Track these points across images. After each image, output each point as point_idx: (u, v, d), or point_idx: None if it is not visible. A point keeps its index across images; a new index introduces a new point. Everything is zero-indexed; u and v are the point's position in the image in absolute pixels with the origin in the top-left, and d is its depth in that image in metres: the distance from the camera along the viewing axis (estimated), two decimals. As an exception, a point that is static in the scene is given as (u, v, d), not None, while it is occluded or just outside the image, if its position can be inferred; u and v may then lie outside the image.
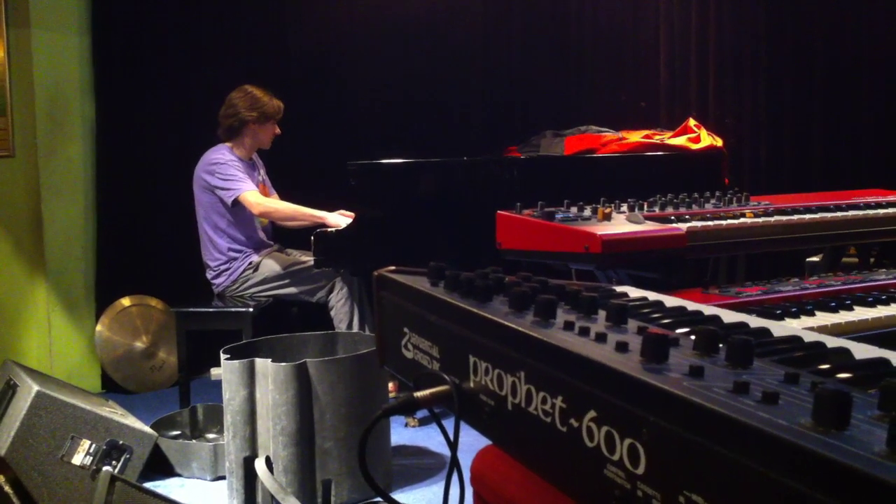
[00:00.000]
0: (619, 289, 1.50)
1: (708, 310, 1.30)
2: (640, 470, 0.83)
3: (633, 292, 1.47)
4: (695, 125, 5.45)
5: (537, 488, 1.05)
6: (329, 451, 3.44)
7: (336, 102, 5.80)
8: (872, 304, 1.94)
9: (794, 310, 1.84)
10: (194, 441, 4.06)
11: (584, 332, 1.03)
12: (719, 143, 5.38)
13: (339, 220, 4.50)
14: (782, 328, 1.19)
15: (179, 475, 3.86)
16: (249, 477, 3.45)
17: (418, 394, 1.21)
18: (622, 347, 0.95)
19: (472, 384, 1.16)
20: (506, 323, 1.08)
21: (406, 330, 1.37)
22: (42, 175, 5.07)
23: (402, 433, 4.25)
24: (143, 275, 5.39)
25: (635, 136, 5.43)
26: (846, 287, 2.11)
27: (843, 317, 1.82)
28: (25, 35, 4.99)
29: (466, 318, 1.18)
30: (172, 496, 3.02)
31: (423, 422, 4.37)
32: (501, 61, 6.40)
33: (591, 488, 0.90)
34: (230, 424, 3.48)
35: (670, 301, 1.38)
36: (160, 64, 5.45)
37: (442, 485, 3.61)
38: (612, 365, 0.87)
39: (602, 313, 1.17)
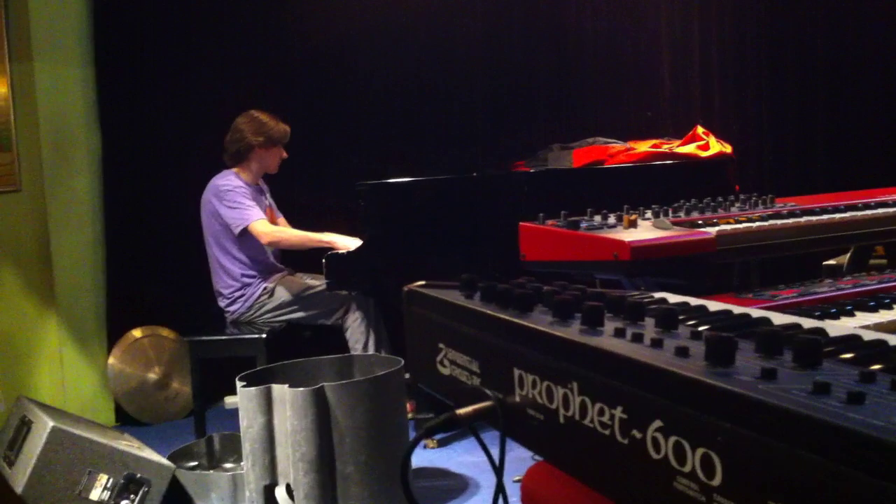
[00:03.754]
0: (656, 295, 1.45)
1: (755, 313, 1.25)
2: (716, 481, 0.78)
3: (672, 298, 1.42)
4: (703, 132, 5.43)
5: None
6: (350, 476, 3.38)
7: (340, 121, 5.75)
8: (913, 303, 1.89)
9: (833, 311, 1.79)
10: (212, 472, 4.00)
11: (638, 338, 0.99)
12: (728, 149, 5.35)
13: (348, 241, 4.46)
14: (834, 328, 1.15)
15: (199, 506, 3.80)
16: (270, 505, 3.39)
17: (460, 411, 1.16)
18: (682, 352, 0.91)
19: (517, 398, 1.11)
20: (554, 332, 1.04)
21: (441, 345, 1.33)
22: (49, 208, 5.04)
23: (421, 455, 4.19)
24: (154, 305, 5.35)
25: (643, 146, 5.40)
26: (882, 286, 2.06)
27: (883, 316, 1.77)
28: (29, 69, 4.98)
29: (508, 330, 1.13)
30: (194, 528, 2.96)
31: (441, 443, 4.31)
32: (504, 76, 6.36)
33: (660, 502, 0.85)
34: (249, 452, 3.42)
35: (713, 305, 1.33)
36: (164, 93, 5.43)
37: (467, 506, 3.57)
38: (678, 371, 0.83)
39: (649, 319, 1.13)
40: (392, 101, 5.93)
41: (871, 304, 1.85)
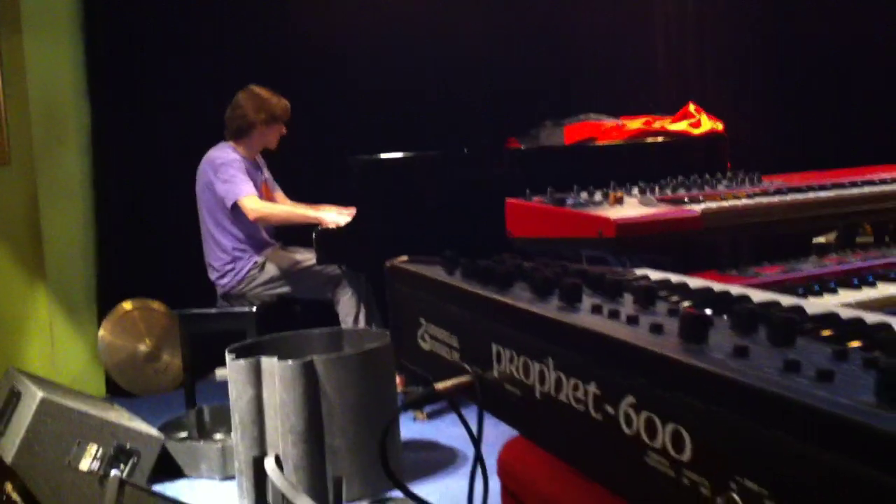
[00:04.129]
0: (638, 272, 1.45)
1: (735, 290, 1.26)
2: (686, 456, 0.78)
3: (654, 275, 1.42)
4: (695, 110, 5.41)
5: (569, 479, 1.00)
6: (338, 448, 3.40)
7: (334, 97, 5.73)
8: (895, 280, 1.90)
9: (816, 288, 1.80)
10: (202, 442, 4.02)
11: (615, 315, 0.99)
12: (720, 127, 5.34)
13: (337, 217, 4.45)
14: (814, 305, 1.15)
15: (188, 477, 3.83)
16: (259, 476, 3.41)
17: (439, 385, 1.16)
18: (657, 329, 0.91)
19: (495, 373, 1.12)
20: (531, 309, 1.04)
21: (422, 321, 1.33)
22: (39, 182, 5.04)
23: (410, 427, 4.21)
24: (144, 278, 5.36)
25: (635, 123, 5.39)
26: (866, 264, 2.07)
27: (866, 293, 1.78)
28: (18, 42, 4.95)
29: (488, 306, 1.14)
30: (182, 498, 2.98)
31: (431, 416, 4.32)
32: (500, 51, 6.33)
33: (631, 477, 0.86)
34: (238, 424, 3.44)
35: (694, 282, 1.33)
36: (155, 66, 5.41)
37: (454, 478, 3.59)
38: (651, 347, 0.83)
39: (628, 296, 1.13)
40: (386, 77, 5.90)
41: (855, 281, 1.86)
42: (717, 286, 1.28)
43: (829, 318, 1.05)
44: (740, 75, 5.84)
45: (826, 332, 0.95)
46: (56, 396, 3.53)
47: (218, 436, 4.21)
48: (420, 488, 3.57)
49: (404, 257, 1.46)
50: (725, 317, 0.99)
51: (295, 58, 5.74)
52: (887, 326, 1.00)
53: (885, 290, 1.83)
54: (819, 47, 5.45)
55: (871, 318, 1.05)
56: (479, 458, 1.17)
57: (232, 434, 3.53)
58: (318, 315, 4.80)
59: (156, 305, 5.33)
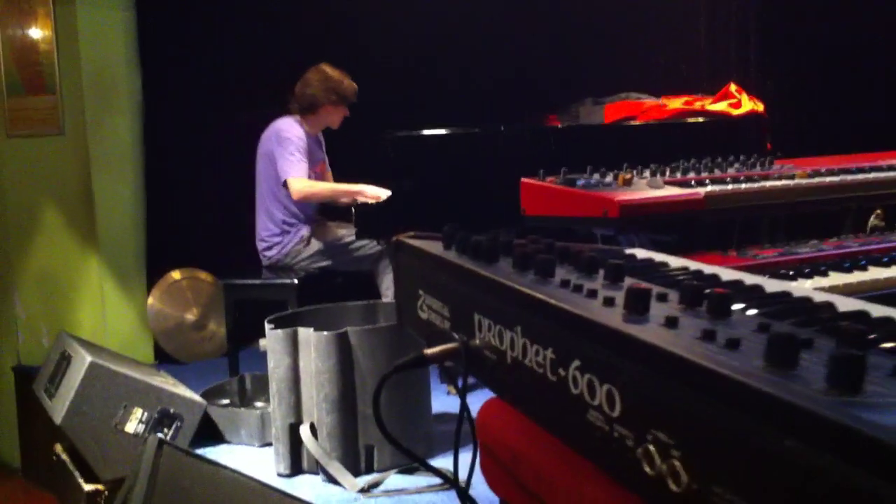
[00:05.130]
0: (628, 251, 1.55)
1: (710, 269, 1.35)
2: (616, 412, 0.89)
3: (642, 254, 1.52)
4: (735, 90, 5.43)
5: (533, 434, 1.11)
6: (370, 417, 3.51)
7: (367, 73, 5.81)
8: (888, 265, 1.96)
9: (807, 271, 1.87)
10: (243, 409, 4.17)
11: (578, 288, 1.09)
12: (760, 108, 5.36)
13: (378, 191, 4.56)
14: (776, 285, 1.24)
15: (228, 442, 3.96)
16: (295, 443, 3.54)
17: (428, 350, 1.28)
18: (609, 302, 1.01)
19: (477, 341, 1.23)
20: (504, 281, 1.14)
21: (421, 292, 1.44)
22: (91, 151, 5.20)
23: (443, 401, 4.31)
24: (193, 248, 5.51)
25: (676, 103, 5.43)
26: (864, 248, 2.13)
27: (856, 277, 1.85)
28: (71, 13, 5.11)
29: (471, 279, 1.24)
30: (221, 462, 3.11)
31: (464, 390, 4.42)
32: (540, 28, 6.38)
33: (576, 431, 0.97)
34: (275, 392, 3.57)
35: (676, 262, 1.42)
36: (204, 36, 5.53)
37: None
38: (594, 317, 0.93)
39: (601, 272, 1.23)
40: (425, 52, 5.97)
41: (847, 265, 1.93)
42: (695, 265, 1.38)
43: (780, 297, 1.14)
44: (785, 56, 5.81)
45: (766, 309, 1.04)
46: (105, 361, 3.68)
47: (259, 403, 4.35)
48: (449, 459, 3.68)
49: (410, 233, 1.56)
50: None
51: (340, 26, 5.81)
52: (829, 305, 1.09)
53: (875, 273, 1.90)
54: (868, 28, 5.40)
55: (819, 297, 1.13)
56: (464, 409, 1.29)
57: (269, 401, 3.67)
58: (359, 288, 4.93)
59: (203, 276, 5.49)
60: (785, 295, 1.14)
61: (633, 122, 5.27)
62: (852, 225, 2.98)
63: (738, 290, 1.14)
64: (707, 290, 1.01)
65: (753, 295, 1.13)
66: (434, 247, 1.45)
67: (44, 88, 5.23)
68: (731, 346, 0.81)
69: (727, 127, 5.23)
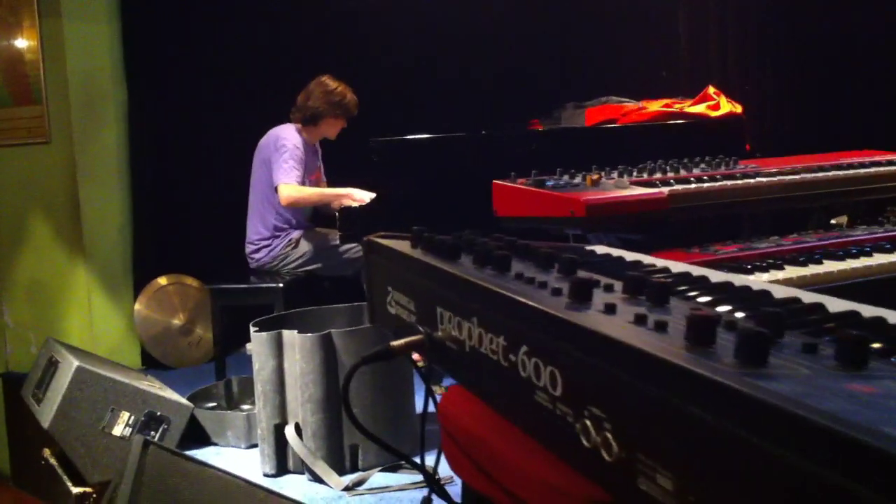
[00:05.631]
0: (589, 248, 1.62)
1: (662, 263, 1.42)
2: (558, 392, 0.96)
3: (601, 250, 1.59)
4: (714, 92, 5.51)
5: (488, 417, 1.18)
6: (365, 427, 3.55)
7: (358, 77, 5.89)
8: (842, 258, 2.04)
9: (764, 265, 1.95)
10: (229, 411, 4.22)
11: (531, 281, 1.16)
12: (738, 109, 5.44)
13: (363, 195, 4.64)
14: (726, 278, 1.31)
15: (215, 444, 4.01)
16: (280, 443, 3.60)
17: (394, 343, 1.34)
18: (557, 292, 1.08)
19: (440, 332, 1.30)
20: (463, 275, 1.21)
21: (390, 288, 1.51)
22: (78, 160, 5.26)
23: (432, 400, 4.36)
24: (179, 254, 5.57)
25: (655, 106, 5.50)
26: (821, 243, 2.21)
27: (811, 270, 1.93)
28: (58, 24, 5.17)
29: (434, 274, 1.31)
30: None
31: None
32: (523, 34, 6.46)
33: (526, 412, 1.04)
34: (260, 393, 3.63)
35: (631, 256, 1.50)
36: (190, 47, 5.59)
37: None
38: (538, 305, 1.00)
39: (557, 266, 1.30)
40: (409, 58, 6.05)
41: (802, 259, 2.00)
42: (649, 260, 1.45)
43: (723, 287, 1.21)
44: (764, 58, 5.89)
45: (705, 298, 1.11)
46: (91, 365, 3.73)
47: (245, 406, 4.40)
48: (431, 457, 3.73)
49: (381, 233, 1.63)
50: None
51: (325, 32, 5.89)
52: (766, 293, 1.16)
53: (829, 266, 1.98)
54: (848, 29, 5.47)
55: (756, 286, 1.21)
56: (428, 393, 1.36)
57: (255, 403, 3.72)
58: (346, 292, 4.98)
59: (190, 281, 5.55)
60: (727, 285, 1.22)
61: (613, 125, 5.34)
62: (817, 223, 3.05)
63: (683, 281, 1.21)
64: (647, 280, 1.08)
65: (696, 285, 1.20)
66: (403, 246, 1.52)
67: (30, 99, 5.29)
68: (659, 328, 0.88)
69: (706, 129, 5.30)
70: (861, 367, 0.76)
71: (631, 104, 5.59)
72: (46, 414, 3.65)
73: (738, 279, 1.23)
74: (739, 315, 0.97)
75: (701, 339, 0.81)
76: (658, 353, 0.78)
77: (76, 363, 3.66)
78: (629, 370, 0.82)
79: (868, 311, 1.05)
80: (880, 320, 0.98)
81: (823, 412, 0.61)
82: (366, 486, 3.42)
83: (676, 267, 1.36)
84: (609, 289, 1.13)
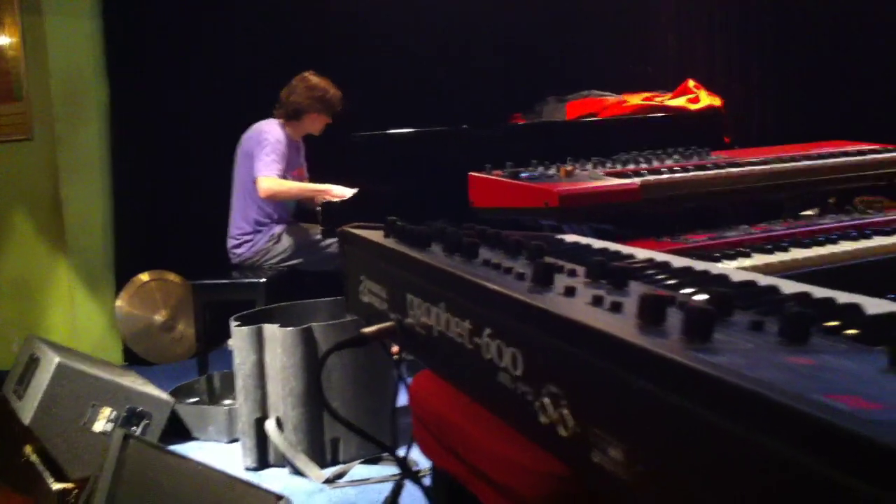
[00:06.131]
0: (559, 236, 1.65)
1: (628, 250, 1.45)
2: (519, 371, 0.99)
3: (570, 238, 1.62)
4: (694, 86, 5.55)
5: (456, 399, 1.21)
6: (336, 409, 3.59)
7: (338, 73, 5.90)
8: (808, 246, 2.08)
9: (732, 253, 1.98)
10: (210, 406, 4.24)
11: (496, 267, 1.19)
12: (718, 102, 5.48)
13: (344, 190, 4.66)
14: (689, 264, 1.34)
15: (197, 439, 4.03)
16: (261, 437, 3.62)
17: (366, 329, 1.37)
18: (520, 277, 1.11)
19: (410, 318, 1.32)
20: (431, 262, 1.24)
21: (363, 277, 1.54)
22: (59, 156, 5.26)
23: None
24: (161, 250, 5.58)
25: (636, 99, 5.54)
26: (789, 231, 2.25)
27: (777, 257, 1.96)
28: (39, 21, 5.17)
29: (405, 262, 1.34)
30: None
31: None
32: (505, 29, 6.48)
33: (490, 392, 1.07)
34: (242, 388, 3.65)
35: (599, 244, 1.53)
36: (171, 44, 5.60)
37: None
38: (501, 289, 1.03)
39: (525, 254, 1.33)
40: (393, 54, 6.07)
41: (769, 247, 2.04)
42: (615, 247, 1.48)
43: (685, 272, 1.25)
44: (748, 50, 5.94)
45: (663, 282, 1.14)
46: (72, 362, 3.74)
47: (227, 401, 4.42)
48: (415, 450, 3.76)
49: (356, 223, 1.66)
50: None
51: (308, 31, 5.90)
52: (723, 278, 1.19)
53: (795, 254, 2.02)
54: (833, 25, 5.51)
55: (715, 270, 1.24)
56: (399, 382, 1.38)
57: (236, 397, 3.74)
58: (328, 288, 4.99)
59: (172, 277, 5.56)
60: (687, 269, 1.25)
61: (594, 119, 5.37)
62: (788, 214, 3.10)
63: (644, 267, 1.24)
64: (608, 265, 1.11)
65: (657, 270, 1.23)
66: (376, 235, 1.55)
67: (12, 96, 5.29)
68: (614, 308, 0.91)
69: (685, 122, 5.33)
70: (803, 342, 0.79)
71: (612, 98, 5.62)
72: (27, 410, 3.65)
73: (702, 265, 1.27)
74: (693, 295, 1.00)
75: (652, 317, 0.85)
76: (609, 330, 0.81)
77: (57, 359, 3.67)
78: (583, 348, 0.85)
79: (821, 292, 1.09)
80: (829, 300, 1.02)
81: (758, 381, 0.64)
82: (346, 478, 3.45)
83: (642, 254, 1.39)
84: (572, 273, 1.16)
